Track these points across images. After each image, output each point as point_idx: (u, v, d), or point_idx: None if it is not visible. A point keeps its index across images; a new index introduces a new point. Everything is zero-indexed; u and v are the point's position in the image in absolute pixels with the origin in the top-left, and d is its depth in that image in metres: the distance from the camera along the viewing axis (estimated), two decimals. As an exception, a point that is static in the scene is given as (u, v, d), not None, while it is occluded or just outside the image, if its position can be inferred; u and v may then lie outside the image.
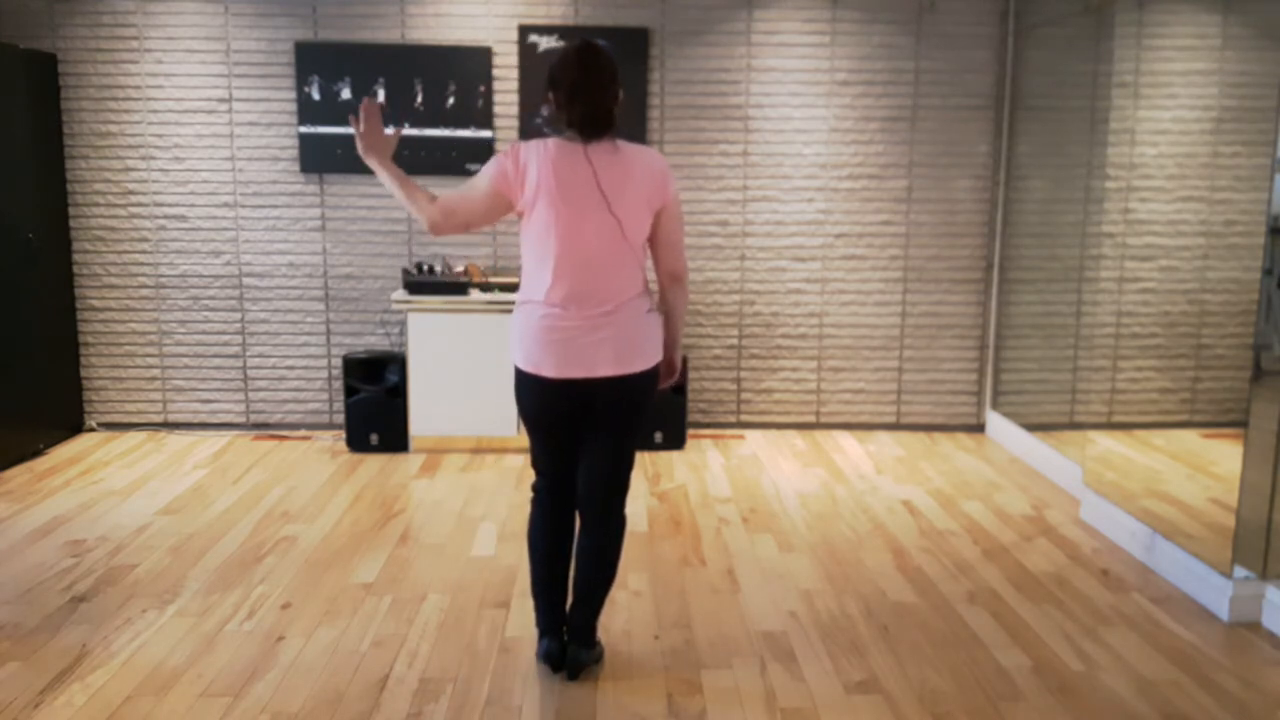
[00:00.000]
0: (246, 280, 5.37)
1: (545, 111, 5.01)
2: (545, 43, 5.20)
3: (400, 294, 4.98)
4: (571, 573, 2.90)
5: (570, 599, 2.89)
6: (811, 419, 5.61)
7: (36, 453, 4.99)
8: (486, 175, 2.69)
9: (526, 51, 5.20)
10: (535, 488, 2.90)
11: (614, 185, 2.64)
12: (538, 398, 2.74)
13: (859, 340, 5.55)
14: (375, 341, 5.44)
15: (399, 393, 5.10)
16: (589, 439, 2.80)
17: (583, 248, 2.65)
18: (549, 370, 2.68)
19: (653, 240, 2.77)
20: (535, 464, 2.89)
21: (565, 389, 2.70)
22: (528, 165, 2.64)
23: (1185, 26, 3.81)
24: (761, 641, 3.12)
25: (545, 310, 2.68)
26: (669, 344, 2.89)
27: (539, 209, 2.65)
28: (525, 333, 2.71)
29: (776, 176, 5.39)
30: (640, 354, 2.71)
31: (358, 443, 5.11)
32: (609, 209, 2.64)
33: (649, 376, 2.75)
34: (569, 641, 2.88)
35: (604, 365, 2.67)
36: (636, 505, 4.33)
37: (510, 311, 4.94)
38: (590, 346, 2.66)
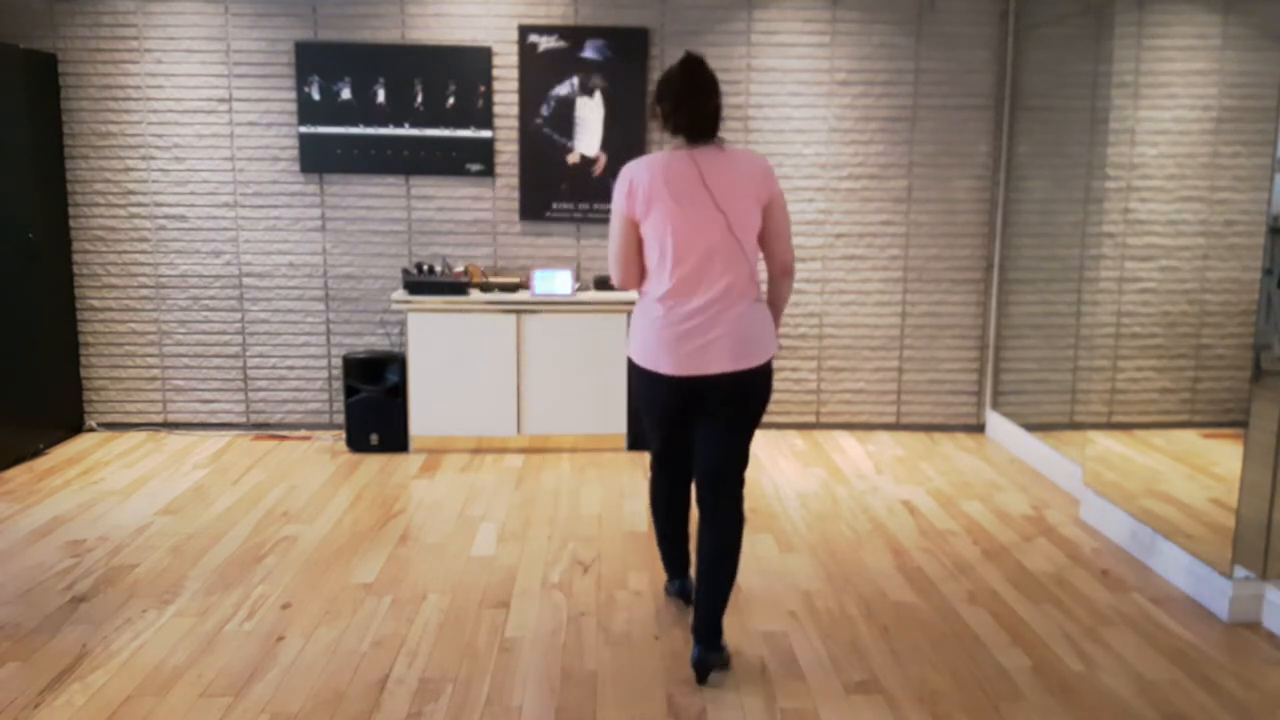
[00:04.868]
0: (246, 280, 5.37)
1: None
2: (545, 43, 5.20)
3: (400, 294, 4.98)
4: (693, 571, 3.06)
5: (695, 596, 2.92)
6: (811, 419, 5.61)
7: (36, 453, 4.99)
8: (615, 213, 2.90)
9: (526, 51, 5.20)
10: (652, 464, 3.22)
11: (720, 183, 2.80)
12: (654, 392, 2.93)
13: (859, 340, 5.55)
14: (375, 341, 5.44)
15: (399, 393, 5.10)
16: (702, 431, 2.92)
17: (694, 243, 2.80)
18: (667, 369, 2.84)
19: (762, 234, 2.92)
20: (650, 444, 3.16)
21: (681, 384, 2.86)
22: (636, 181, 2.84)
23: (1185, 26, 3.81)
24: (761, 641, 3.12)
25: (664, 309, 2.85)
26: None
27: (653, 214, 2.82)
28: (645, 330, 2.89)
29: (776, 176, 5.38)
30: (754, 351, 2.84)
31: (358, 443, 5.11)
32: (715, 204, 2.80)
33: (762, 373, 2.87)
34: (697, 643, 2.87)
35: (719, 363, 2.81)
36: (636, 505, 4.33)
37: (510, 313, 4.98)
38: (706, 345, 2.81)
